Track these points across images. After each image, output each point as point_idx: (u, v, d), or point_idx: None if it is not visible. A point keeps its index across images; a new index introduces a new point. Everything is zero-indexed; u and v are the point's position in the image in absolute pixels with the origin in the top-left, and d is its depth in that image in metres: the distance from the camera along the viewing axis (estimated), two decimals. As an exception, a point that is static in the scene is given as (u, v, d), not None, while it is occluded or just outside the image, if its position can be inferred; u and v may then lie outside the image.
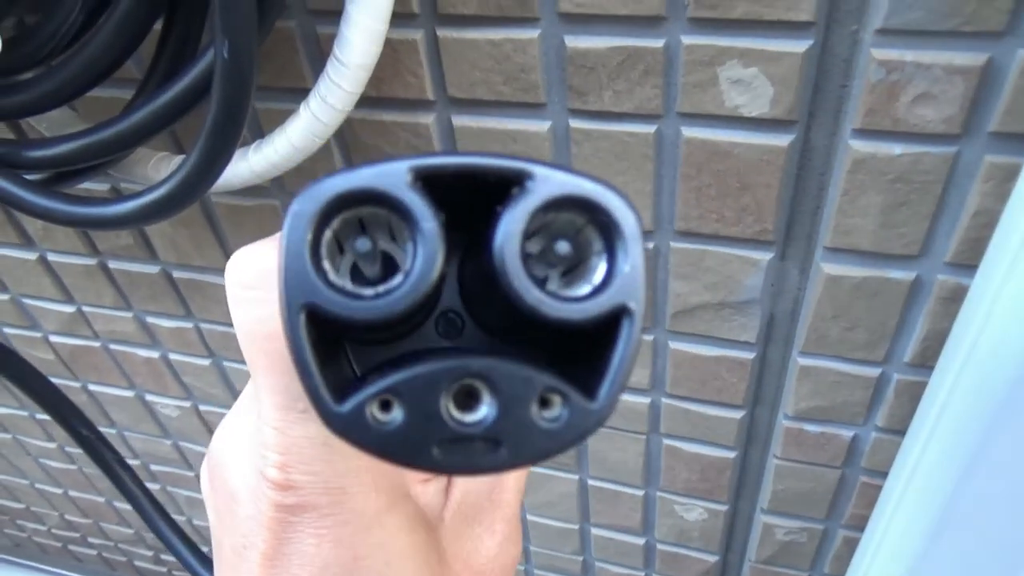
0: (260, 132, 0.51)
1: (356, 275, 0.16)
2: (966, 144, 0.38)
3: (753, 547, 0.67)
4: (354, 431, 0.15)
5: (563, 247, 0.15)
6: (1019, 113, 0.37)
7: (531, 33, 0.41)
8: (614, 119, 0.43)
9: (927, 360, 0.48)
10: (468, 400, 0.16)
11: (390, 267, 0.15)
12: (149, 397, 0.82)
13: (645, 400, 0.59)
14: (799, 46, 0.38)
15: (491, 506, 0.23)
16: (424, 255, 0.15)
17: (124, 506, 1.07)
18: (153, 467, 0.94)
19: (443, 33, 0.43)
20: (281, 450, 0.19)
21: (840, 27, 0.37)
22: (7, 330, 0.80)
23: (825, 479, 0.58)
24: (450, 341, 0.19)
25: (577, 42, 0.41)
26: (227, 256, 0.61)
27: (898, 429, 0.52)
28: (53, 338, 0.79)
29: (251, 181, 0.46)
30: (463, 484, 0.23)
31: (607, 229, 0.15)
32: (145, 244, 0.63)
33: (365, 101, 0.44)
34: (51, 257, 0.69)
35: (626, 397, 0.59)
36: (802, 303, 0.48)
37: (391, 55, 0.44)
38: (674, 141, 0.43)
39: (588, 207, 0.15)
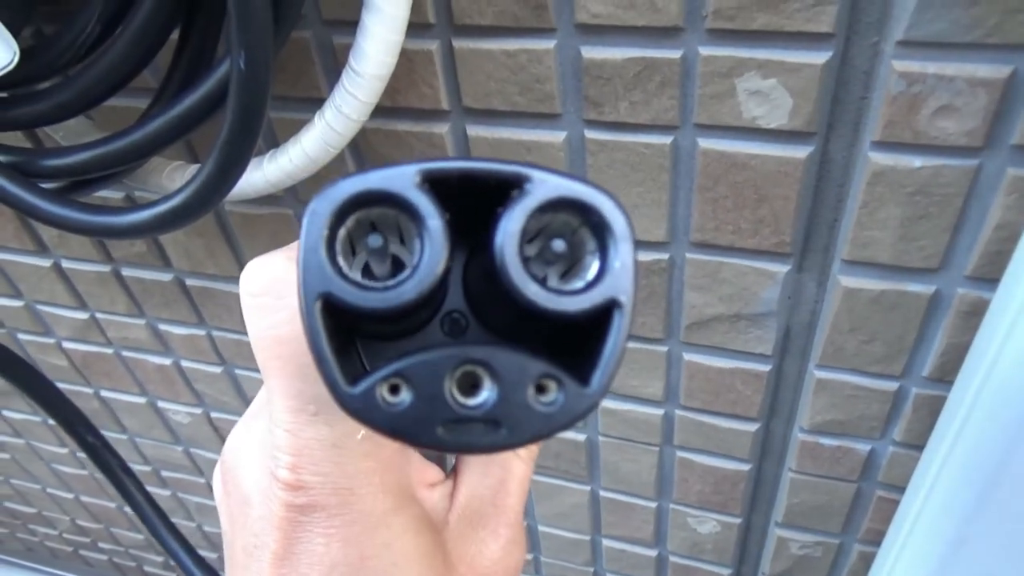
0: (275, 141, 0.51)
1: (368, 274, 0.17)
2: (988, 157, 0.38)
3: (767, 561, 0.66)
4: (365, 411, 0.16)
5: (559, 245, 0.16)
6: (1043, 126, 0.36)
7: (547, 44, 0.41)
8: (630, 130, 0.43)
9: (946, 374, 0.47)
10: (470, 385, 0.17)
11: (399, 268, 0.17)
12: (161, 404, 0.82)
13: (659, 412, 0.58)
14: (819, 57, 0.37)
15: (495, 511, 0.24)
16: (430, 250, 0.16)
17: (134, 512, 1.07)
18: (164, 473, 0.94)
19: (459, 43, 0.42)
20: (292, 451, 0.20)
21: (860, 39, 0.37)
22: (21, 336, 0.81)
23: (841, 493, 0.58)
24: (455, 340, 0.21)
25: (593, 53, 0.41)
26: (240, 264, 0.61)
27: (916, 444, 0.52)
28: (66, 344, 0.79)
29: (265, 191, 0.46)
30: (468, 489, 0.24)
31: (599, 229, 0.17)
32: (159, 252, 0.64)
33: (380, 111, 0.44)
34: (65, 264, 0.69)
35: (639, 408, 0.58)
36: (819, 316, 0.48)
37: (406, 65, 0.44)
38: (690, 152, 0.43)
39: (582, 208, 0.17)
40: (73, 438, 0.63)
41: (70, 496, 1.10)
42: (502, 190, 0.16)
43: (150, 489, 0.98)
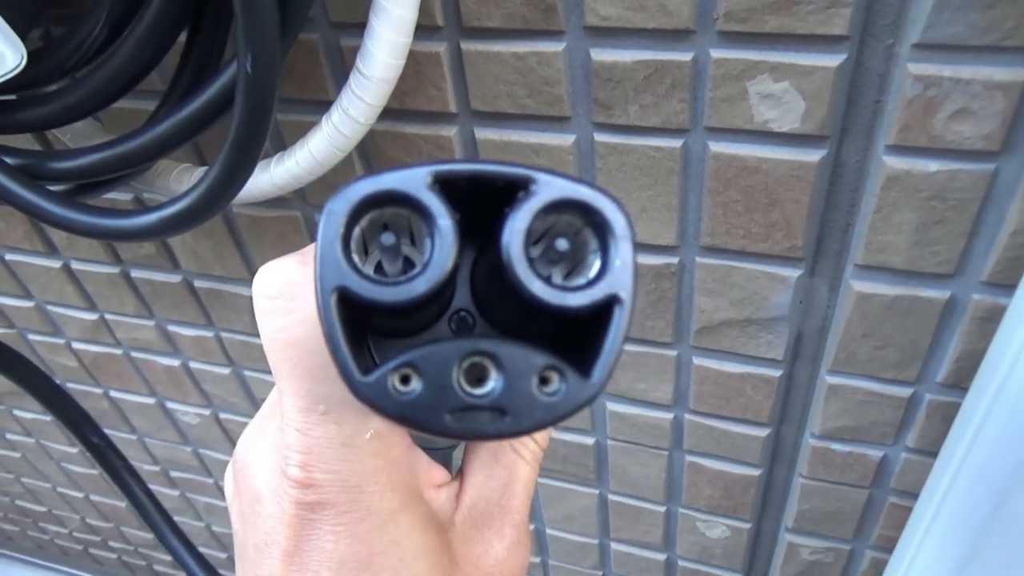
0: (282, 144, 0.50)
1: (380, 273, 0.18)
2: (1005, 161, 0.37)
3: (777, 566, 0.66)
4: (377, 399, 0.17)
5: (562, 244, 0.17)
6: (1061, 130, 0.35)
7: (556, 46, 0.41)
8: (640, 133, 0.43)
9: (961, 381, 0.46)
10: (477, 375, 0.18)
11: (410, 268, 0.18)
12: (170, 404, 0.82)
13: (668, 416, 0.58)
14: (832, 60, 0.37)
15: (500, 511, 0.24)
16: (440, 247, 0.17)
17: (138, 512, 1.07)
18: (173, 473, 0.94)
19: (467, 46, 0.42)
20: (303, 450, 0.20)
21: (875, 41, 0.36)
22: (31, 336, 0.81)
23: (852, 499, 0.57)
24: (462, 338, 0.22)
25: (603, 55, 0.40)
26: (248, 266, 0.61)
27: (929, 450, 0.51)
28: (76, 345, 0.79)
29: (272, 193, 0.45)
30: (473, 490, 0.24)
31: (601, 229, 0.17)
32: (167, 254, 0.64)
33: (388, 113, 0.44)
34: (75, 265, 0.69)
35: (648, 412, 0.58)
36: (831, 321, 0.47)
37: (414, 67, 0.43)
38: (701, 156, 0.42)
39: (584, 209, 0.17)
40: (78, 438, 0.63)
41: (80, 495, 1.11)
42: (509, 191, 0.17)
43: (159, 489, 0.98)
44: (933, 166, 0.38)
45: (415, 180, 0.17)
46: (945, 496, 0.49)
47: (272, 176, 0.44)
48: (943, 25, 0.34)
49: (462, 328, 0.21)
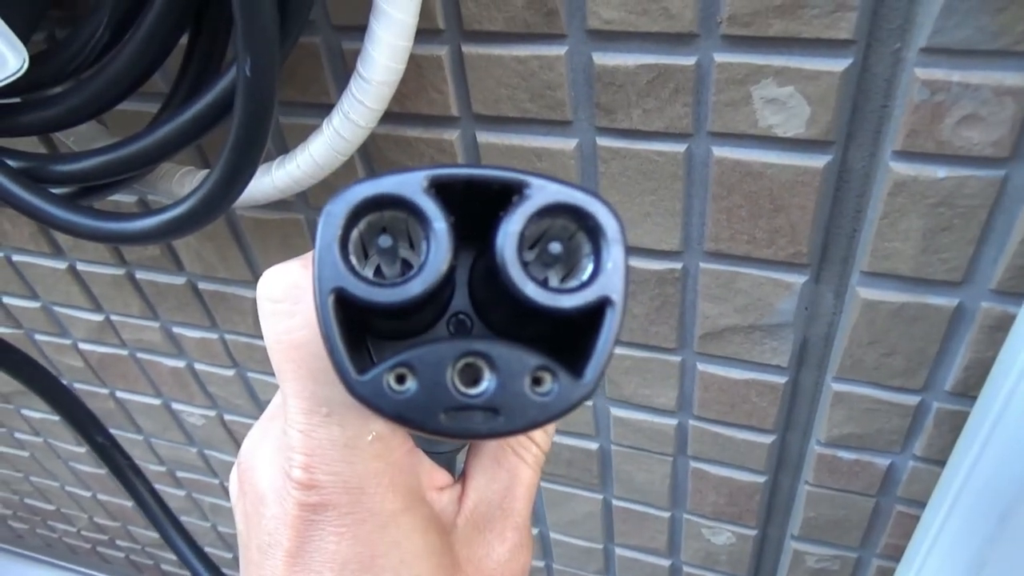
0: (284, 146, 0.50)
1: (378, 275, 0.18)
2: (1015, 168, 0.37)
3: (783, 573, 0.65)
4: (373, 398, 0.18)
5: (555, 247, 0.18)
6: (1072, 136, 0.35)
7: (558, 50, 0.40)
8: (643, 138, 0.42)
9: (969, 389, 0.46)
10: (471, 376, 0.18)
11: (407, 271, 0.18)
12: (175, 405, 0.82)
13: (672, 422, 0.57)
14: (838, 65, 0.36)
15: (502, 514, 0.24)
16: (436, 249, 0.17)
17: (142, 511, 1.08)
18: (179, 474, 0.95)
19: (468, 49, 0.42)
20: (306, 451, 0.21)
21: (881, 45, 0.36)
22: (38, 337, 0.81)
23: (859, 507, 0.56)
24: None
25: (605, 59, 0.40)
26: (251, 268, 0.61)
27: (937, 459, 0.50)
28: (82, 345, 0.79)
29: (274, 196, 0.45)
30: (476, 493, 0.24)
31: (594, 233, 0.18)
32: (172, 256, 0.64)
33: (389, 117, 0.43)
34: (80, 266, 0.69)
35: (652, 418, 0.58)
36: (837, 328, 0.46)
37: (415, 71, 0.43)
38: (704, 161, 0.42)
39: (577, 213, 0.18)
40: (83, 438, 0.63)
41: (88, 494, 1.11)
42: (504, 196, 0.18)
43: (166, 489, 0.99)
44: (941, 172, 0.38)
45: (412, 184, 0.17)
46: (953, 505, 0.48)
47: (274, 179, 0.44)
48: (952, 29, 0.34)
49: (460, 330, 0.22)
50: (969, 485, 0.46)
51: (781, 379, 0.50)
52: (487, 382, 0.18)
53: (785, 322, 0.47)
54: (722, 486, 0.60)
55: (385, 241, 0.18)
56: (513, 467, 0.24)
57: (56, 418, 0.95)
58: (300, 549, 0.21)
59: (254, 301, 0.64)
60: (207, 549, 1.11)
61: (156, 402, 0.83)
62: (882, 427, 0.50)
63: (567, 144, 0.44)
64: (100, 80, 0.42)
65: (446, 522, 0.23)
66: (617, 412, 0.58)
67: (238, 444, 0.84)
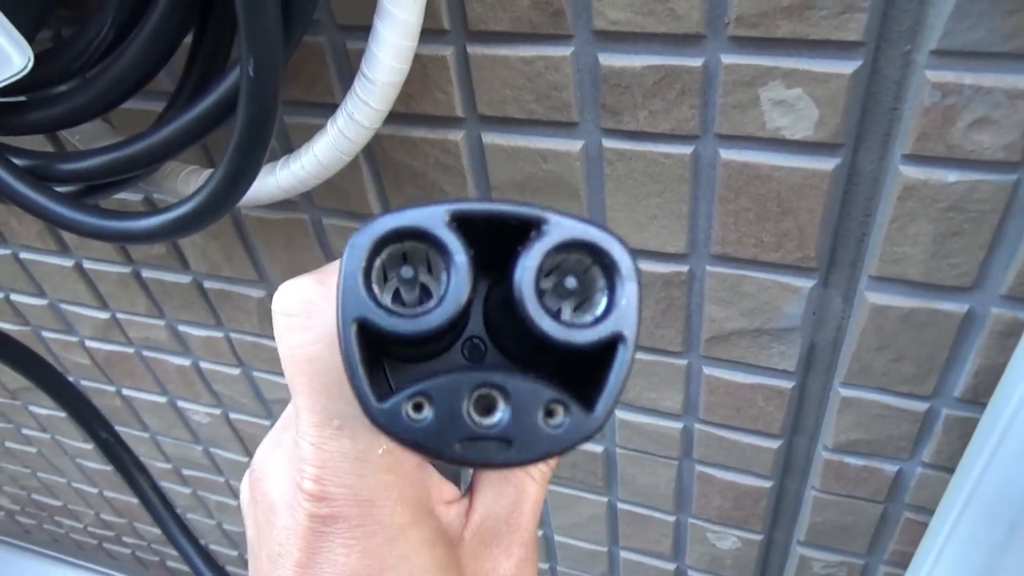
0: (289, 145, 0.50)
1: (398, 299, 0.19)
2: (1027, 172, 0.36)
3: (788, 579, 0.64)
4: (391, 425, 0.18)
5: (571, 282, 0.18)
6: (1086, 140, 0.34)
7: (564, 51, 0.40)
8: (649, 139, 0.42)
9: (979, 396, 0.45)
10: (486, 407, 0.19)
11: (426, 294, 0.19)
12: (181, 403, 0.82)
13: (677, 425, 0.57)
14: (847, 67, 0.36)
15: (508, 529, 0.24)
16: (455, 282, 0.18)
17: (145, 508, 1.08)
18: (184, 471, 0.95)
19: (473, 50, 0.41)
20: (317, 463, 0.21)
21: (891, 47, 0.35)
22: (45, 334, 0.82)
23: (866, 513, 0.56)
24: (473, 363, 0.22)
25: (611, 60, 0.40)
26: (256, 268, 0.61)
27: (946, 466, 0.50)
28: (89, 343, 0.79)
29: (278, 196, 0.45)
30: (483, 508, 0.24)
31: (609, 269, 0.18)
32: (177, 254, 0.64)
33: (394, 117, 0.43)
34: (87, 264, 0.69)
35: (657, 421, 0.57)
36: (845, 332, 0.46)
37: (420, 71, 0.43)
38: (711, 163, 0.42)
39: (593, 250, 0.18)
40: (87, 434, 0.64)
41: (94, 491, 1.11)
42: (523, 229, 0.18)
43: (172, 487, 0.99)
44: (951, 176, 0.37)
45: (434, 218, 0.18)
46: (962, 512, 0.47)
47: (278, 179, 0.44)
48: (963, 31, 0.33)
49: (474, 355, 0.22)
50: (978, 492, 0.46)
51: (788, 383, 0.50)
52: (501, 413, 0.18)
53: (792, 326, 0.47)
54: (728, 490, 0.59)
55: (407, 272, 0.18)
56: (520, 483, 0.24)
57: (63, 414, 0.96)
58: (310, 560, 0.21)
59: (259, 300, 0.64)
60: (212, 547, 1.11)
61: (162, 400, 0.83)
62: (890, 433, 0.49)
63: (573, 146, 0.43)
64: (105, 79, 0.42)
65: (453, 536, 0.23)
66: (622, 415, 0.58)
67: (243, 442, 0.84)
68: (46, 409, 0.96)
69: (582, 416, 0.18)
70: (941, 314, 0.42)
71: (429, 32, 0.41)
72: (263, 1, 0.33)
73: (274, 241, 0.58)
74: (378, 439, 0.21)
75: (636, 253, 0.46)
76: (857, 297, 0.44)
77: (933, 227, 0.39)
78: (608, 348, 0.18)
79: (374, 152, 0.48)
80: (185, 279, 0.65)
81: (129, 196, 0.60)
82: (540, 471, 0.25)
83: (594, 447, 0.62)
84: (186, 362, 0.75)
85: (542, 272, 0.18)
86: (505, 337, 0.22)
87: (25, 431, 1.04)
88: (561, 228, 0.18)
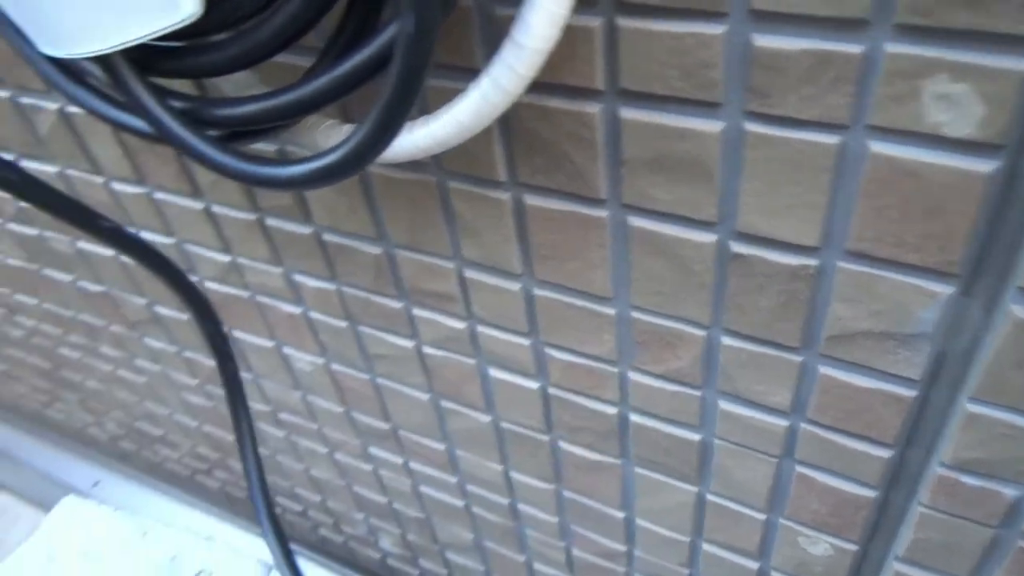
0: (425, 107, 0.51)
1: None
2: None
3: (879, 593, 0.62)
4: None
5: None
6: None
7: (717, 29, 0.39)
8: (794, 126, 0.41)
9: (1123, 426, 0.42)
10: None
11: None
12: (286, 350, 0.86)
13: (783, 422, 0.55)
14: (1023, 64, 0.34)
15: None
16: None
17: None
18: (281, 415, 0.99)
19: (623, 22, 0.41)
20: None
21: (1080, 45, 0.33)
22: (169, 271, 0.86)
23: (975, 536, 0.53)
24: None
25: (765, 41, 0.39)
26: (376, 225, 0.63)
27: (1074, 496, 0.47)
28: (208, 284, 0.84)
29: (413, 156, 0.46)
30: None
31: None
32: (302, 205, 0.66)
33: (531, 85, 0.43)
34: (215, 208, 0.73)
35: (762, 416, 0.56)
36: (981, 345, 0.44)
37: (565, 40, 0.43)
38: (859, 155, 0.40)
39: None
40: (206, 338, 0.68)
41: (194, 423, 1.18)
42: None
43: (266, 428, 1.04)
44: None
45: None
46: (1085, 548, 0.45)
47: (415, 138, 0.45)
48: None
49: None
50: (1107, 528, 0.43)
51: (910, 392, 0.48)
52: None
53: (923, 333, 0.45)
54: (827, 495, 0.58)
55: None
56: None
57: (173, 349, 1.01)
58: None
59: (375, 257, 0.66)
60: (297, 490, 1.16)
61: (269, 344, 0.87)
62: (1017, 456, 0.47)
63: (714, 127, 0.43)
64: (264, 30, 0.43)
65: None
66: (725, 406, 0.57)
67: (342, 392, 0.87)
68: (160, 342, 1.02)
69: None
70: (1093, 335, 0.40)
71: (579, 1, 0.41)
72: (433, -40, 0.33)
73: (398, 201, 0.59)
74: None
75: (763, 242, 0.46)
76: (1001, 309, 0.42)
77: (1099, 241, 0.37)
78: None
79: (509, 119, 0.49)
80: (307, 230, 0.68)
81: (262, 147, 0.62)
82: None
83: (691, 435, 0.62)
84: (297, 310, 0.79)
85: None
86: None
87: (137, 361, 1.11)
88: None
